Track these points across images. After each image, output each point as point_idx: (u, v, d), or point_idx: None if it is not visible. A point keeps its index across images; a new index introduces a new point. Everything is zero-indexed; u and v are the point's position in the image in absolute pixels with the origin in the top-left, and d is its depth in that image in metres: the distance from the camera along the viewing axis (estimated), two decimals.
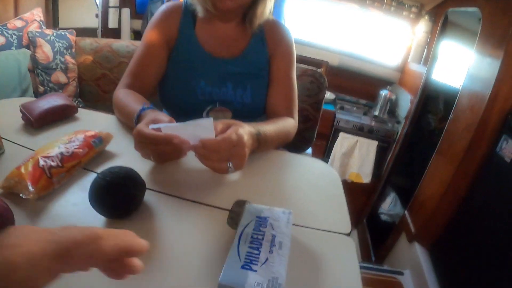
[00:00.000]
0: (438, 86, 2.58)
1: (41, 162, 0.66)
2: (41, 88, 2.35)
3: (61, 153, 0.71)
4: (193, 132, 0.69)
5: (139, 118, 0.84)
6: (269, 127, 0.91)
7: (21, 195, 0.62)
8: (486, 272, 1.55)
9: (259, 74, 1.13)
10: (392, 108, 3.00)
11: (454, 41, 2.58)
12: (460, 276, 1.74)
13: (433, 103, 2.66)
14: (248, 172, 0.82)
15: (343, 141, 2.76)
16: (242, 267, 0.45)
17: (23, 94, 2.11)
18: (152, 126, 0.69)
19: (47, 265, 0.28)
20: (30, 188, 0.62)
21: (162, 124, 0.70)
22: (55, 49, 2.33)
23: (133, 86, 1.06)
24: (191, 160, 0.82)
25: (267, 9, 1.09)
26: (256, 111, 1.14)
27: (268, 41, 1.15)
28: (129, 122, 0.92)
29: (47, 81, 2.33)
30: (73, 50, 2.37)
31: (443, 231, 2.00)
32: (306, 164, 0.94)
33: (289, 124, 1.06)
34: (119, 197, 0.58)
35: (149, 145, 0.71)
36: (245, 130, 0.75)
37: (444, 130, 2.07)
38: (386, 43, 3.21)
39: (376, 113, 2.97)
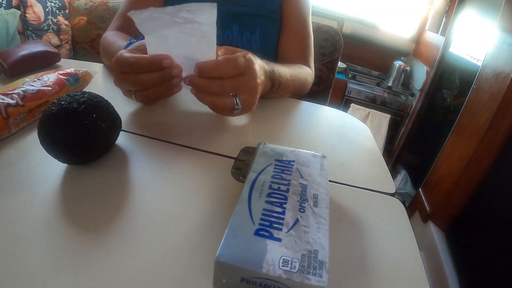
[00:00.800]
0: (456, 61, 2.40)
1: None
2: None
3: (24, 91, 0.60)
4: (187, 41, 0.51)
5: None
6: (285, 69, 0.75)
7: None
8: (505, 255, 1.42)
9: (270, 16, 0.96)
10: (406, 80, 2.82)
11: (475, 11, 2.37)
12: (477, 259, 1.62)
13: (449, 78, 2.50)
14: (259, 117, 0.66)
15: (354, 112, 2.59)
16: (257, 233, 0.27)
17: None
18: (132, 12, 0.50)
19: None
20: None
21: (145, 10, 0.50)
22: (47, 9, 2.24)
23: (122, 29, 0.94)
24: (186, 102, 0.67)
25: None
26: (266, 58, 0.97)
27: None
28: None
29: None
30: (67, 11, 2.29)
31: (461, 211, 1.88)
32: (332, 115, 0.78)
33: (306, 71, 0.89)
34: (78, 128, 0.41)
35: (129, 76, 0.54)
36: (257, 60, 0.58)
37: (465, 103, 1.94)
38: (401, 12, 3.02)
39: (390, 84, 2.79)
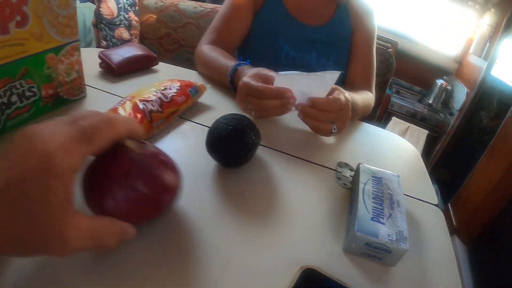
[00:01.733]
0: (496, 84, 2.48)
1: (141, 106, 0.65)
2: (103, 43, 2.41)
3: (160, 99, 0.70)
4: (308, 86, 0.68)
5: (235, 73, 0.85)
6: (357, 97, 0.91)
7: None
8: None
9: (342, 45, 1.13)
10: (446, 99, 2.93)
11: None
12: (497, 278, 1.72)
13: (488, 100, 2.58)
14: (339, 137, 0.84)
15: (395, 125, 2.73)
16: (372, 219, 0.47)
17: (87, 47, 2.17)
18: (282, 73, 0.68)
19: (78, 151, 0.32)
20: None
21: (289, 72, 0.68)
22: (120, 5, 2.36)
23: (217, 43, 1.07)
24: (288, 118, 0.84)
25: None
26: (335, 83, 1.14)
27: (352, 14, 1.14)
28: (219, 76, 0.93)
29: (110, 36, 2.39)
30: (137, 8, 2.40)
31: (485, 229, 1.98)
32: (389, 137, 0.95)
33: (370, 97, 1.06)
34: (242, 144, 0.57)
35: (255, 99, 0.70)
36: (348, 96, 0.75)
37: (500, 128, 2.03)
38: (447, 32, 3.10)
39: (431, 101, 2.91)
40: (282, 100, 0.68)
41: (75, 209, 0.32)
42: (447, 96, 2.92)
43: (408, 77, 3.20)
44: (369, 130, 0.95)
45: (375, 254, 0.46)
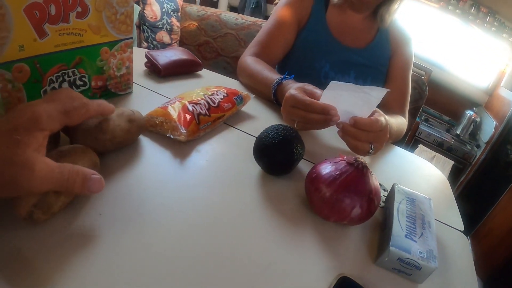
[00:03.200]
0: None
1: (190, 108, 0.68)
2: (144, 44, 2.50)
3: (208, 103, 0.73)
4: (353, 104, 0.70)
5: (279, 86, 0.89)
6: (393, 121, 0.94)
7: (168, 135, 0.65)
8: None
9: (380, 69, 1.16)
10: (474, 130, 2.92)
11: None
12: None
13: None
14: (375, 158, 0.87)
15: (421, 153, 2.72)
16: (406, 236, 0.50)
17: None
18: (334, 82, 0.69)
19: (58, 117, 0.43)
20: (182, 130, 0.64)
21: (341, 83, 0.69)
22: (163, 10, 2.45)
23: (260, 56, 1.11)
24: (328, 135, 0.88)
25: (398, 7, 1.12)
26: None
27: (391, 39, 1.18)
28: (262, 88, 0.97)
29: (151, 39, 2.48)
30: (179, 14, 2.47)
31: (503, 265, 1.96)
32: (421, 164, 0.98)
33: (404, 122, 1.08)
34: (290, 154, 0.60)
35: (300, 111, 0.72)
36: (387, 118, 0.77)
37: None
38: (479, 63, 3.10)
39: (458, 132, 2.90)
40: (327, 116, 0.70)
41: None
42: (475, 128, 2.90)
43: (438, 106, 3.20)
44: (400, 154, 0.98)
45: (405, 270, 0.49)
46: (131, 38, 0.74)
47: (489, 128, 2.76)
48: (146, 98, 0.83)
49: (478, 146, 2.81)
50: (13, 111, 0.41)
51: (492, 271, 2.00)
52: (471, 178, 2.75)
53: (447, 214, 0.74)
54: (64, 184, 0.40)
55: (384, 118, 0.73)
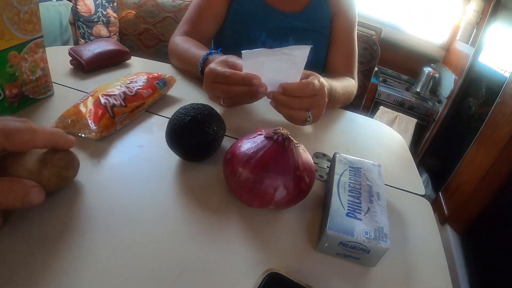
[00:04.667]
0: (484, 70, 2.46)
1: (103, 100, 0.63)
2: (81, 41, 2.36)
3: (124, 93, 0.67)
4: (278, 69, 0.63)
5: (205, 62, 0.81)
6: (337, 84, 0.87)
7: (80, 134, 0.59)
8: None
9: (321, 31, 1.08)
10: (434, 86, 2.90)
11: (505, 25, 2.43)
12: (490, 266, 1.71)
13: (476, 86, 2.56)
14: (318, 127, 0.79)
15: (383, 115, 2.70)
16: (347, 215, 0.42)
17: (64, 45, 2.12)
18: (245, 51, 0.62)
19: None
20: (92, 126, 0.58)
21: (255, 50, 0.62)
22: (97, 2, 2.33)
23: (190, 34, 1.04)
24: (260, 107, 0.80)
25: None
26: (316, 69, 1.09)
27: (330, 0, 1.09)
28: (190, 67, 0.89)
29: (88, 34, 2.33)
30: (115, 4, 2.36)
31: (477, 217, 1.96)
32: (373, 125, 0.91)
33: (352, 84, 1.01)
34: (202, 136, 0.53)
35: (223, 86, 0.66)
36: (324, 81, 0.70)
37: (489, 114, 2.01)
38: (433, 19, 3.07)
39: (418, 89, 2.88)
40: (251, 87, 0.63)
41: None
42: (435, 84, 2.89)
43: (395, 66, 3.17)
44: (353, 119, 0.91)
45: (351, 254, 0.41)
46: (41, 37, 0.67)
47: (448, 83, 2.74)
48: (69, 98, 0.73)
49: (439, 102, 2.80)
50: None
51: (467, 224, 1.99)
52: (435, 134, 2.75)
53: (406, 179, 0.68)
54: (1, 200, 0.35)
55: (317, 80, 0.65)
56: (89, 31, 2.33)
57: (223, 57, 0.72)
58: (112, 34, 2.38)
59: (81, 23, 2.33)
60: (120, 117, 0.63)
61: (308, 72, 0.69)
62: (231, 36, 1.08)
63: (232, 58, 0.70)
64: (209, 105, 0.56)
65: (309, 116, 0.65)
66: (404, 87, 2.94)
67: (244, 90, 0.64)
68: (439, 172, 2.55)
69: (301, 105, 0.64)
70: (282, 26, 1.04)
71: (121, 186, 0.50)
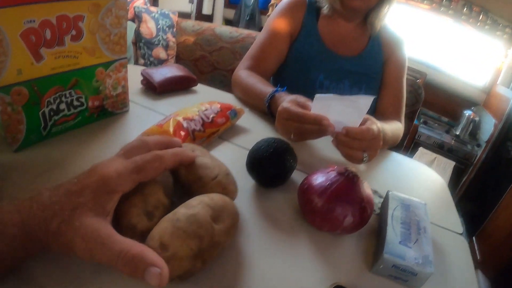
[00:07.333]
0: None
1: (185, 124, 0.69)
2: (141, 61, 2.53)
3: (202, 119, 0.74)
4: (343, 113, 0.71)
5: (272, 99, 0.90)
6: (387, 127, 0.95)
7: None
8: None
9: (374, 76, 1.17)
10: (474, 130, 2.92)
11: None
12: None
13: None
14: (369, 165, 0.88)
15: (422, 156, 2.73)
16: (400, 243, 0.51)
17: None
18: (319, 95, 0.71)
19: (129, 177, 0.41)
20: None
21: (326, 95, 0.70)
22: (159, 26, 2.48)
23: (253, 69, 1.13)
24: (322, 144, 0.88)
25: (387, 13, 1.14)
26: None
27: (383, 46, 1.19)
28: (255, 101, 0.98)
29: (148, 55, 2.51)
30: (175, 29, 2.50)
31: (509, 264, 1.95)
32: (416, 167, 0.99)
33: (400, 128, 1.09)
34: (281, 167, 0.62)
35: (295, 124, 0.73)
36: (380, 125, 0.78)
37: None
38: (475, 62, 3.11)
39: (458, 132, 2.90)
40: (320, 127, 0.71)
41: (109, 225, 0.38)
42: (474, 127, 2.91)
43: (436, 108, 3.20)
44: (397, 159, 0.98)
45: (401, 276, 0.50)
46: (125, 58, 0.76)
47: (488, 126, 2.76)
48: (142, 116, 0.84)
49: (478, 146, 2.81)
50: (87, 171, 0.40)
51: (498, 269, 1.98)
52: (473, 178, 2.75)
53: (446, 218, 0.75)
54: (114, 263, 0.35)
55: (376, 126, 0.74)
56: (149, 52, 2.50)
57: (293, 96, 0.80)
58: (170, 57, 2.53)
59: (142, 44, 2.49)
60: (199, 140, 0.71)
61: (366, 116, 0.76)
62: (291, 75, 1.18)
63: (302, 99, 0.78)
64: (286, 141, 0.65)
65: (365, 156, 0.74)
66: (444, 129, 2.97)
67: (314, 129, 0.72)
68: (475, 216, 2.53)
69: (360, 146, 0.72)
70: (339, 69, 1.14)
71: None
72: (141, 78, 0.99)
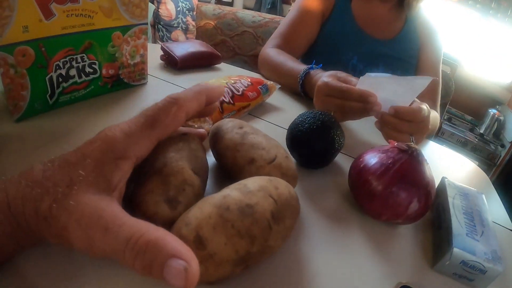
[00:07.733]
0: None
1: None
2: (159, 43, 2.48)
3: (232, 91, 0.67)
4: (394, 92, 0.63)
5: (306, 76, 0.83)
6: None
7: (193, 124, 0.59)
8: None
9: (409, 61, 1.11)
10: (498, 129, 2.83)
11: None
12: None
13: None
14: None
15: None
16: (467, 235, 0.44)
17: None
18: (369, 74, 0.63)
19: (142, 134, 0.32)
20: (207, 118, 0.57)
21: (379, 74, 0.64)
22: (179, 9, 2.44)
23: (282, 48, 1.07)
24: (357, 125, 0.81)
25: None
26: None
27: (420, 30, 1.12)
28: (287, 80, 0.91)
29: (166, 37, 2.46)
30: (195, 13, 2.46)
31: None
32: (452, 157, 0.93)
33: (437, 117, 1.03)
34: (331, 142, 0.53)
35: (337, 100, 0.66)
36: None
37: None
38: (501, 59, 2.99)
39: (482, 131, 2.81)
40: (366, 105, 0.64)
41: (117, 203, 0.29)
42: (499, 127, 2.82)
43: (460, 106, 3.11)
44: (433, 148, 0.93)
45: (467, 275, 0.43)
46: (146, 23, 0.69)
47: None
48: (162, 89, 0.77)
49: (502, 146, 2.73)
50: (91, 138, 0.32)
51: None
52: (496, 179, 2.66)
53: (493, 212, 0.67)
54: (121, 255, 0.25)
55: (426, 106, 0.66)
56: (168, 35, 2.46)
57: (332, 72, 0.73)
58: None
59: (161, 26, 2.45)
60: (228, 114, 0.64)
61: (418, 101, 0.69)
62: (321, 56, 1.11)
63: (343, 74, 0.71)
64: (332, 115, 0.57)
65: (412, 141, 0.67)
66: (468, 128, 2.88)
67: (359, 106, 0.64)
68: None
69: (409, 129, 0.64)
70: (373, 52, 1.08)
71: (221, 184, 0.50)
72: (161, 54, 0.94)
